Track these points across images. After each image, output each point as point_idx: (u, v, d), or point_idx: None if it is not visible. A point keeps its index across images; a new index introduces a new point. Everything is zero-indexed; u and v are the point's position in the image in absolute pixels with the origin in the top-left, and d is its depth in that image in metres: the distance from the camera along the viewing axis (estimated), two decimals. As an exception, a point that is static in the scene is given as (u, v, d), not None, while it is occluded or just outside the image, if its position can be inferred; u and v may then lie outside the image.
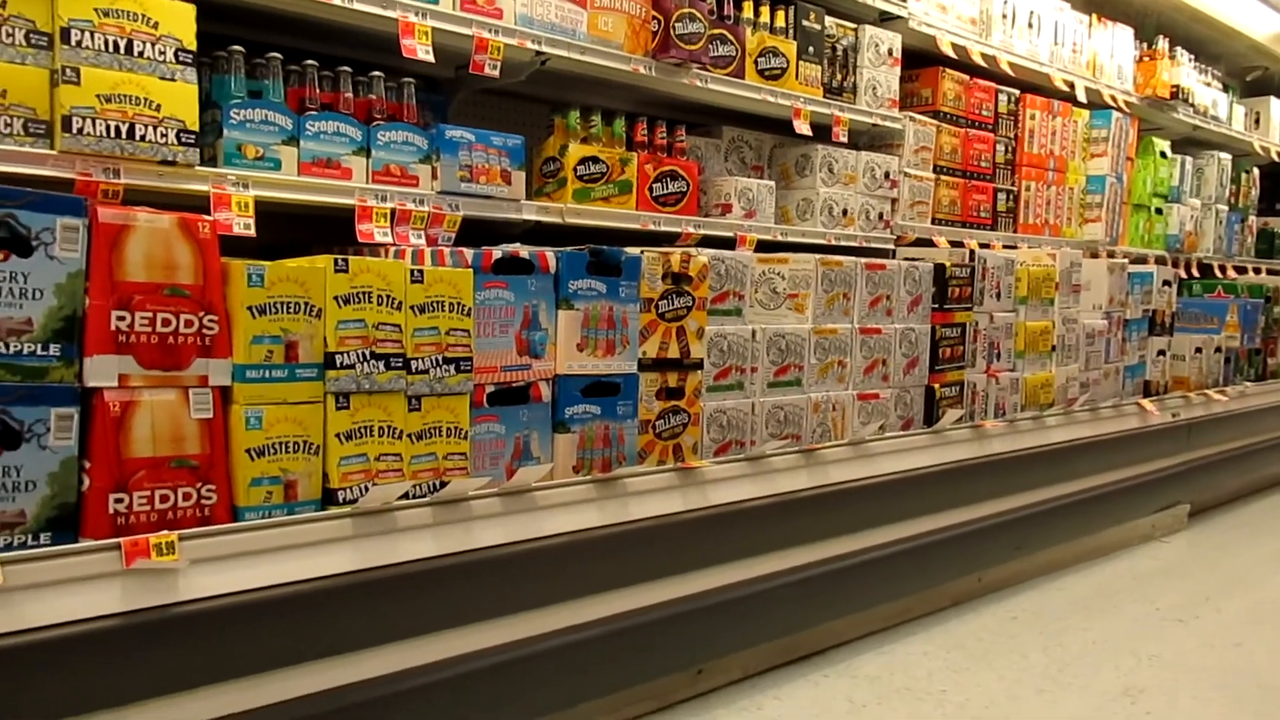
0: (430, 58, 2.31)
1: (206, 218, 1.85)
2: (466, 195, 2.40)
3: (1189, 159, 5.32)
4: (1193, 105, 5.19)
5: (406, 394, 2.06)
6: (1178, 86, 5.00)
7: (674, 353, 2.55)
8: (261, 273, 1.87)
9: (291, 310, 1.90)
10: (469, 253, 2.20)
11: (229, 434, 1.85)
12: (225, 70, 2.13)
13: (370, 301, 2.00)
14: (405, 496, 2.04)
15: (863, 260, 3.11)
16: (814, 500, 2.86)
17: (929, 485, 3.25)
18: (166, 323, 1.77)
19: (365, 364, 1.99)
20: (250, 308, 1.85)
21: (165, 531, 1.70)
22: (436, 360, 2.10)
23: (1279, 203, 6.49)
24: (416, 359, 2.07)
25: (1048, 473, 3.78)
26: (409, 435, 2.07)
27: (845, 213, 3.37)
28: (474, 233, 2.45)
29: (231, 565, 1.77)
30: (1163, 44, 4.93)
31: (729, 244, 3.00)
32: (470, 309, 2.15)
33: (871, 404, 3.15)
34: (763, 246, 3.07)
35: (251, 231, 2.04)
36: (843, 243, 3.36)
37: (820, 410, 2.98)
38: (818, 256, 2.98)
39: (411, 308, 2.06)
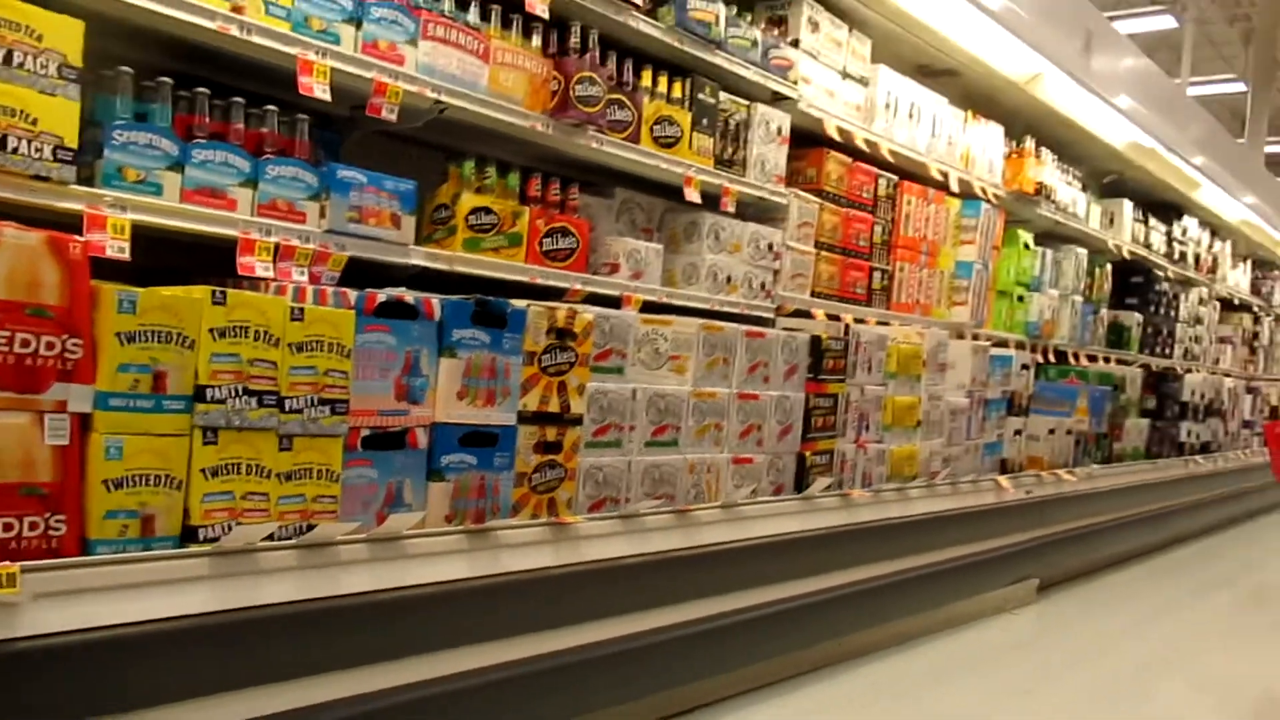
0: (327, 96, 2.30)
1: (79, 238, 1.79)
2: (354, 236, 2.38)
3: (1050, 252, 5.66)
4: (1055, 202, 5.55)
5: (278, 433, 2.01)
6: (1042, 184, 5.34)
7: (554, 407, 2.57)
8: (134, 299, 1.81)
9: (163, 339, 1.84)
10: (352, 294, 2.18)
11: (85, 463, 1.77)
12: (112, 90, 2.08)
13: (247, 336, 1.95)
14: (270, 538, 1.98)
15: (744, 327, 3.20)
16: (686, 561, 2.90)
17: (797, 550, 3.32)
18: (25, 343, 1.69)
19: (237, 399, 1.94)
20: (119, 334, 1.79)
21: (7, 562, 1.61)
22: (312, 400, 2.06)
23: (1129, 298, 6.95)
24: (291, 398, 2.02)
25: (909, 543, 3.92)
26: (278, 475, 2.02)
27: (729, 280, 3.47)
28: (360, 274, 2.43)
29: (79, 601, 1.68)
30: (1030, 143, 5.27)
31: (615, 303, 3.05)
32: (350, 350, 2.12)
33: (745, 468, 3.21)
34: (648, 307, 3.12)
35: (126, 255, 1.98)
36: (725, 309, 3.45)
37: (695, 471, 3.03)
38: (701, 321, 3.05)
39: (289, 345, 2.02)
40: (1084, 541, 5.27)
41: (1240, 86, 15.88)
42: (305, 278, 2.28)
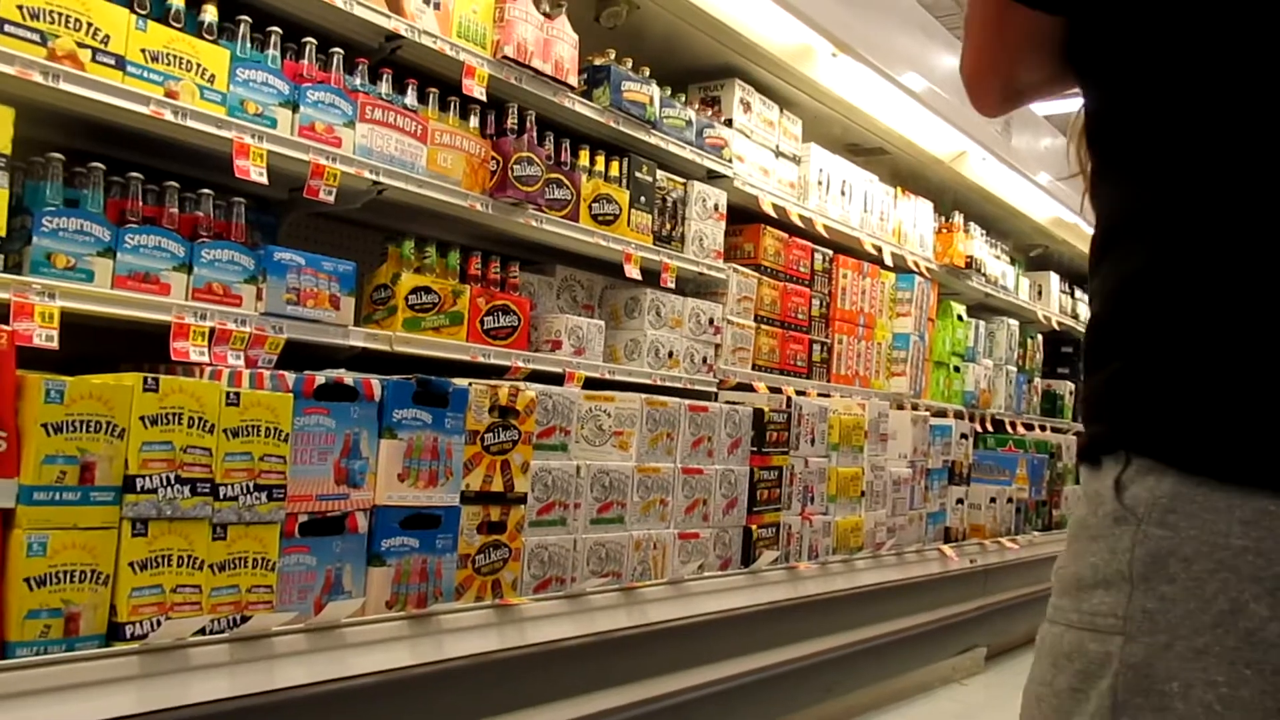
0: (264, 179, 2.29)
1: (4, 327, 1.74)
2: (292, 318, 2.36)
3: (982, 323, 5.80)
4: (985, 275, 5.71)
5: (211, 521, 1.95)
6: (972, 257, 5.49)
7: (498, 486, 2.54)
8: (61, 388, 1.76)
9: (91, 429, 1.79)
10: (290, 376, 2.14)
11: (6, 561, 1.69)
12: (41, 176, 2.05)
13: (180, 423, 1.91)
14: (202, 632, 1.91)
15: (686, 402, 3.21)
16: (633, 639, 2.85)
17: (745, 625, 3.29)
18: (-55, 436, 1.63)
19: (169, 488, 1.88)
20: (45, 425, 1.74)
21: (-83, 669, 1.53)
22: (247, 487, 2.00)
23: (1060, 367, 7.13)
24: (225, 485, 1.97)
25: (857, 615, 3.90)
26: (211, 566, 1.95)
27: (671, 355, 3.49)
28: (299, 356, 2.40)
29: (-6, 707, 1.59)
30: (958, 218, 5.43)
31: (558, 379, 3.04)
32: (287, 435, 2.08)
33: (692, 543, 3.19)
34: (590, 384, 3.12)
35: (54, 344, 1.93)
36: (668, 384, 3.46)
37: (642, 548, 3.00)
38: (643, 396, 3.06)
39: (224, 431, 1.97)
40: (1029, 608, 5.30)
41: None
42: (241, 362, 2.24)
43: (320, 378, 2.19)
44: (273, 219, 2.68)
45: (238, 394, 2.00)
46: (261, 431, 2.03)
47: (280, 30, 2.43)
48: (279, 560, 2.07)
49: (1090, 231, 0.95)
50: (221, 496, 1.96)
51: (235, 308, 2.27)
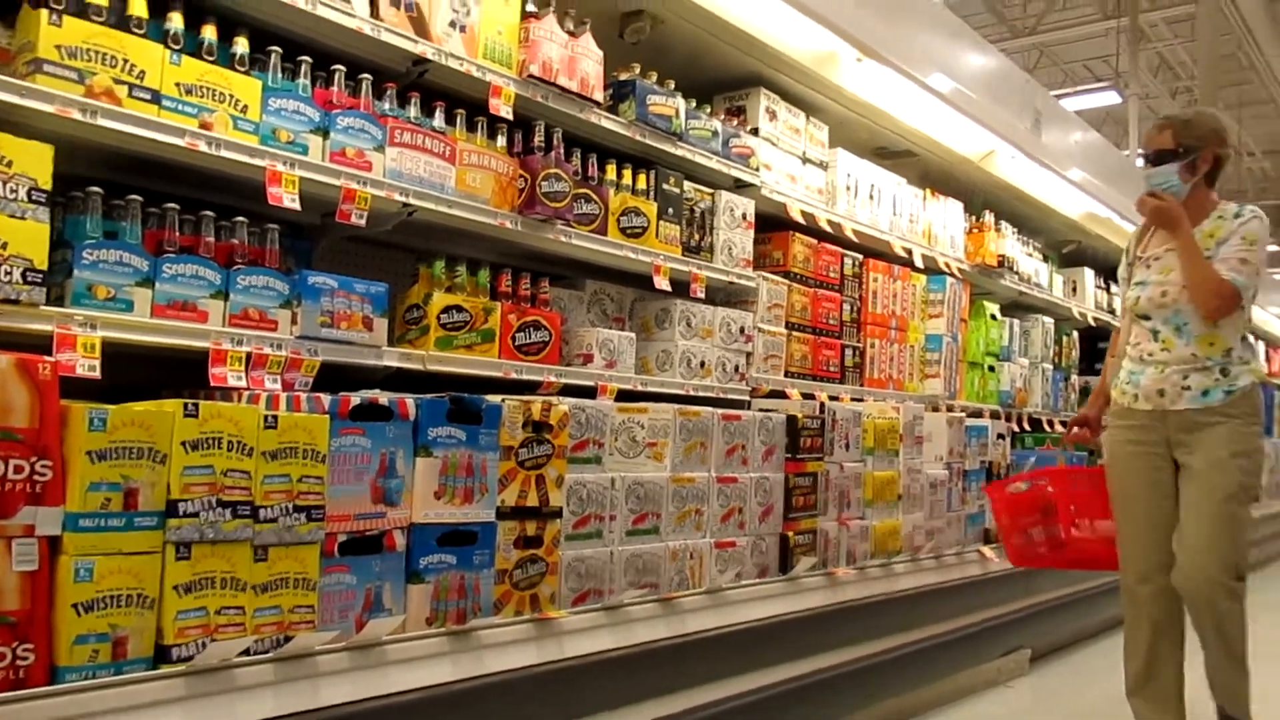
0: (296, 205, 2.34)
1: (48, 358, 1.79)
2: (326, 340, 2.39)
3: (1016, 322, 5.75)
4: (1017, 273, 5.66)
5: (253, 543, 1.99)
6: (1004, 256, 5.45)
7: (533, 501, 2.56)
8: (104, 417, 1.80)
9: (134, 456, 1.83)
10: (326, 398, 2.18)
11: (54, 587, 1.74)
12: (81, 211, 2.10)
13: (220, 447, 1.95)
14: (246, 652, 1.94)
15: (719, 411, 3.22)
16: (672, 650, 2.86)
17: (785, 633, 3.29)
18: (-5, 468, 1.68)
19: (210, 512, 1.92)
20: (89, 453, 1.78)
21: (-27, 695, 1.57)
22: (286, 508, 2.04)
23: (1097, 363, 7.03)
24: (265, 507, 2.01)
25: (898, 619, 3.88)
26: (253, 587, 1.99)
27: (703, 365, 3.49)
28: (334, 378, 2.44)
29: (47, 732, 1.63)
30: (989, 218, 5.39)
31: (590, 393, 3.06)
32: (325, 456, 2.11)
33: (728, 552, 3.20)
34: (623, 396, 3.14)
35: (96, 374, 1.97)
36: (700, 393, 3.47)
37: (678, 558, 3.01)
38: (676, 406, 3.07)
39: (263, 454, 2.01)
40: (1073, 609, 5.24)
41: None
42: (278, 385, 2.28)
43: (355, 398, 2.22)
44: (307, 244, 2.73)
45: (275, 417, 2.04)
46: (299, 453, 2.07)
47: (310, 59, 2.48)
48: (320, 580, 2.10)
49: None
50: (262, 518, 2.00)
51: (271, 332, 2.31)
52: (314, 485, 2.09)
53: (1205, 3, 11.61)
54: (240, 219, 2.36)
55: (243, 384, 2.22)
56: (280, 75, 2.42)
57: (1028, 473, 3.74)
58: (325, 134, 2.44)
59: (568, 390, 2.99)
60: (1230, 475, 3.08)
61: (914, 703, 3.95)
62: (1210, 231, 3.22)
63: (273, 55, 2.41)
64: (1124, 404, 3.35)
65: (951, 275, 4.94)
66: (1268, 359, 10.79)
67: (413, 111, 2.69)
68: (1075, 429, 3.74)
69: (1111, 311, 7.08)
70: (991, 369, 5.37)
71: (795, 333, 3.97)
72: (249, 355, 2.25)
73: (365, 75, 2.58)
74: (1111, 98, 13.48)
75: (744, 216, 3.73)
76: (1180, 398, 3.18)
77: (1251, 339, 3.35)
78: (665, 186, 3.39)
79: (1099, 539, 3.52)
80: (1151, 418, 3.24)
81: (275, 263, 2.39)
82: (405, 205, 2.59)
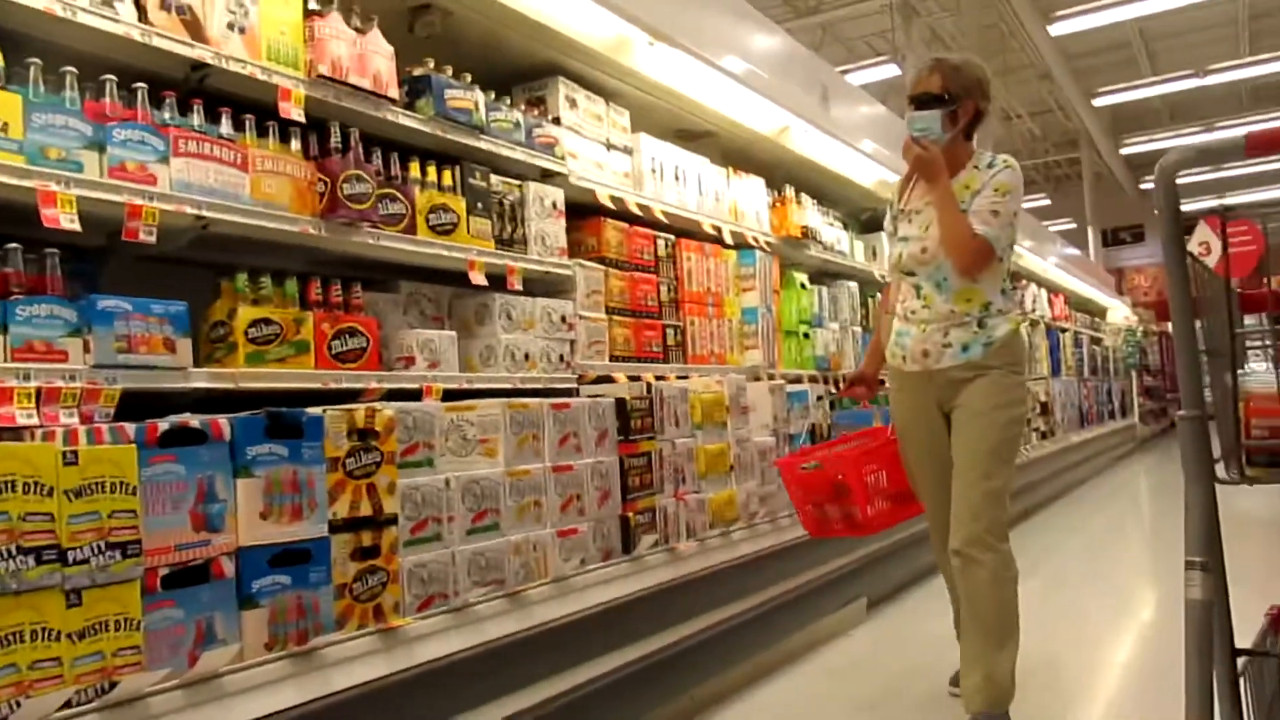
0: (76, 226, 2.19)
1: None
2: (125, 367, 2.26)
3: (825, 289, 6.01)
4: (821, 243, 5.91)
5: (63, 588, 1.86)
6: (807, 227, 5.68)
7: (366, 510, 2.50)
8: (-125, 471, 1.64)
9: (-85, 509, 1.68)
10: (131, 427, 2.06)
11: None
12: None
13: (15, 490, 1.81)
14: (68, 705, 1.82)
15: (549, 401, 3.23)
16: (523, 643, 2.86)
17: (634, 612, 3.34)
18: None
19: (10, 561, 1.79)
20: None
21: None
22: (98, 547, 1.92)
23: (902, 322, 7.44)
24: (74, 548, 1.88)
25: (741, 585, 4.01)
26: (68, 635, 1.86)
27: (528, 357, 3.49)
28: (139, 406, 2.30)
29: None
30: (790, 191, 5.61)
31: (416, 395, 3.01)
32: (135, 488, 2.00)
33: (571, 539, 3.22)
34: (450, 395, 3.10)
35: None
36: (528, 385, 3.47)
37: (521, 552, 3.01)
38: (505, 401, 3.06)
39: (65, 493, 1.88)
40: (903, 554, 5.54)
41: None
42: (75, 419, 2.14)
43: (163, 424, 2.11)
44: (91, 267, 2.56)
45: (75, 452, 1.91)
46: (107, 487, 1.95)
47: (75, 70, 2.32)
48: (143, 618, 1.99)
49: None
50: (71, 561, 1.87)
51: (61, 363, 2.16)
52: (127, 519, 1.97)
53: (967, -22, 12.43)
54: (13, 246, 2.19)
55: (34, 421, 2.07)
56: (43, 88, 2.26)
57: (822, 453, 3.68)
58: (101, 149, 2.30)
59: (392, 395, 2.93)
60: (993, 429, 3.10)
61: (766, 661, 4.09)
62: (966, 183, 3.21)
63: (32, 68, 2.24)
64: (895, 365, 3.40)
65: (760, 249, 5.12)
66: (1050, 304, 11.69)
67: (196, 119, 2.56)
68: (852, 387, 3.79)
69: (910, 272, 7.50)
70: (806, 336, 5.60)
71: (616, 317, 4.02)
72: (39, 390, 2.10)
73: (140, 84, 2.44)
74: (891, 70, 14.24)
75: (554, 206, 3.74)
76: (943, 356, 3.19)
77: (1014, 288, 3.42)
78: (472, 181, 3.37)
79: (894, 508, 3.54)
80: (920, 379, 3.27)
81: (58, 289, 2.24)
82: (199, 218, 2.47)
